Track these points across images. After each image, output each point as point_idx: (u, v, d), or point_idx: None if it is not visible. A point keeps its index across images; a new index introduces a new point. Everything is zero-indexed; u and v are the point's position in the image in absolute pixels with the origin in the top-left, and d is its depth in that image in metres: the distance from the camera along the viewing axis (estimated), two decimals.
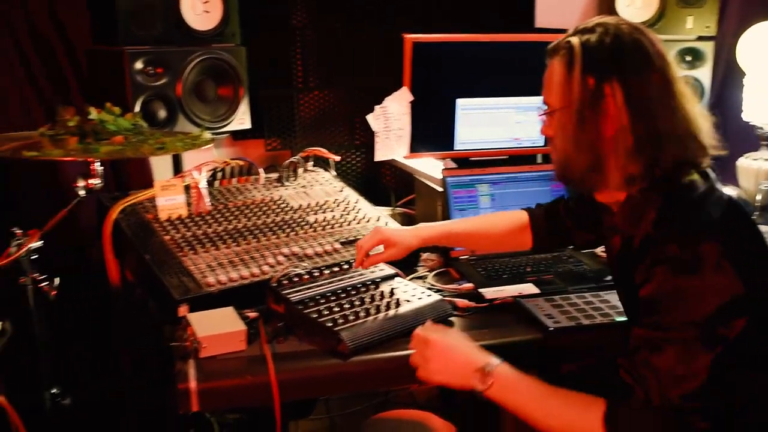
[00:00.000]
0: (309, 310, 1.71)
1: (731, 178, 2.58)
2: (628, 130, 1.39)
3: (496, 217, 1.98)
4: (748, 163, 2.49)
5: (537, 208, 1.96)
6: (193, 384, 1.54)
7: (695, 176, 1.42)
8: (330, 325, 1.65)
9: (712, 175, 1.45)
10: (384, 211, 2.38)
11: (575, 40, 1.42)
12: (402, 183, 2.94)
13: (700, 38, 2.82)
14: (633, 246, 1.43)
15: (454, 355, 1.52)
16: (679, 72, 1.45)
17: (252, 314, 1.77)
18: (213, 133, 2.38)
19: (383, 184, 3.01)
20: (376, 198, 2.50)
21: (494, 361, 1.47)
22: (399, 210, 2.63)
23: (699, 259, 1.28)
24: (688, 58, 2.81)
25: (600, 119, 1.40)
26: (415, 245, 1.88)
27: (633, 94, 1.38)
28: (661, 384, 1.29)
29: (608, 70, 1.39)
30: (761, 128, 2.49)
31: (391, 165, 2.89)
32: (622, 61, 1.39)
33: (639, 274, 1.37)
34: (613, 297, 1.90)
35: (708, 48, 2.81)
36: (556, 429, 1.39)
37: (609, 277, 2.04)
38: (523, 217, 1.93)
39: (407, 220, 2.54)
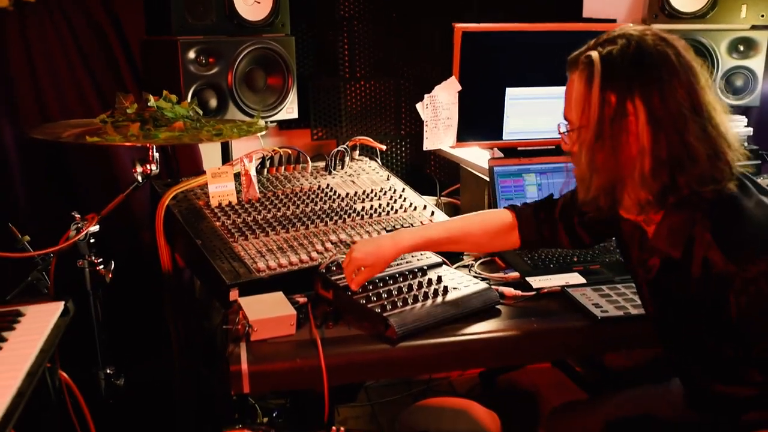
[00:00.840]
0: (358, 296, 1.74)
1: None
2: (647, 152, 1.32)
3: (479, 219, 1.85)
4: None
5: (525, 207, 1.84)
6: (245, 366, 1.57)
7: (733, 187, 1.35)
8: (379, 310, 1.67)
9: (748, 181, 1.39)
10: (430, 201, 2.39)
11: (595, 54, 1.35)
12: (448, 173, 2.95)
13: (754, 27, 2.77)
14: (686, 270, 1.37)
15: None
16: (709, 81, 1.36)
17: (301, 299, 1.80)
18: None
19: (429, 174, 3.02)
20: (422, 188, 2.51)
21: None
22: (445, 200, 2.63)
23: None
24: (741, 48, 2.76)
25: (621, 139, 1.34)
26: (393, 257, 1.76)
27: (656, 113, 1.30)
28: None
29: (630, 86, 1.31)
30: None
31: (436, 155, 2.91)
32: (645, 75, 1.31)
33: (718, 299, 1.33)
34: None
35: (762, 37, 2.75)
36: None
37: None
38: (508, 217, 1.81)
39: (453, 209, 2.55)
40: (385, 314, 1.66)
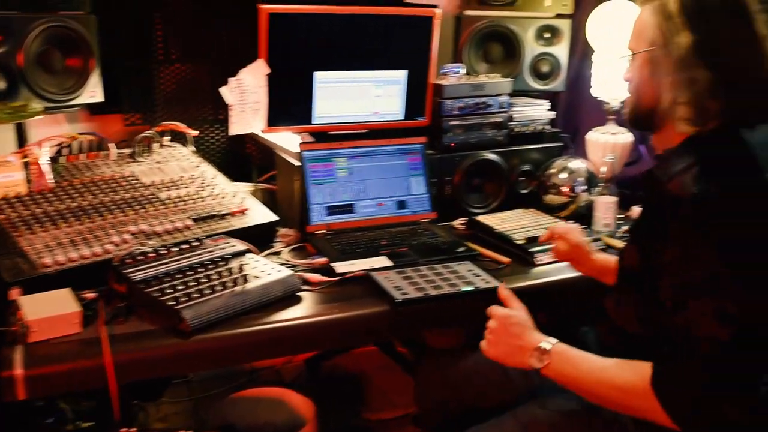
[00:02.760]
0: (151, 289, 1.66)
1: (582, 152, 2.67)
2: (696, 74, 1.36)
3: None
4: (596, 137, 2.58)
5: None
6: (19, 371, 1.46)
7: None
8: (171, 303, 1.60)
9: (748, 137, 1.42)
10: (243, 187, 2.34)
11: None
12: (266, 158, 2.88)
13: (559, 16, 2.90)
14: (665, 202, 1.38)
15: (515, 331, 1.52)
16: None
17: (90, 295, 1.70)
18: (62, 107, 2.26)
19: (247, 159, 2.94)
20: (240, 174, 2.44)
21: (551, 340, 1.48)
22: (261, 186, 2.57)
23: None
24: (547, 36, 2.88)
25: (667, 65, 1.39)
26: (592, 265, 1.87)
27: (708, 43, 1.36)
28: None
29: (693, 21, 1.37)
30: (607, 103, 2.58)
31: (254, 140, 2.84)
32: (705, 13, 1.38)
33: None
34: (462, 268, 1.94)
35: (565, 25, 2.88)
36: (613, 399, 1.39)
37: (461, 249, 2.08)
38: None
39: (268, 195, 2.50)
40: (177, 307, 1.59)
